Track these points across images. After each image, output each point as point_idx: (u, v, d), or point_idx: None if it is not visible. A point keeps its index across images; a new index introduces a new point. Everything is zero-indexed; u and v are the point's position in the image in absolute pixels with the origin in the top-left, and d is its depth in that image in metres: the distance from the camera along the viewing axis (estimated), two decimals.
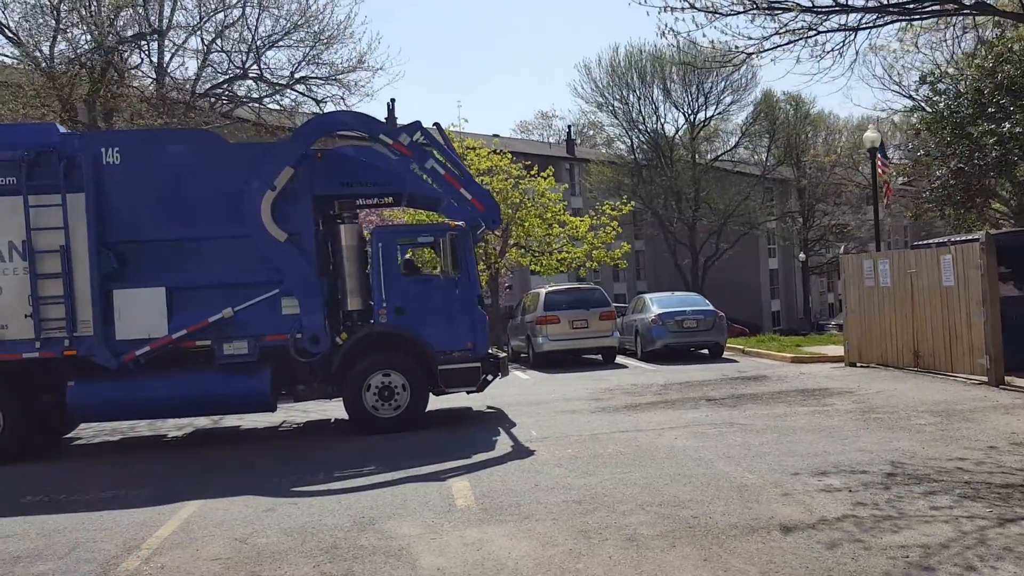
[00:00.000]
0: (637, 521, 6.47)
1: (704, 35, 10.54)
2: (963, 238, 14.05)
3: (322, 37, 21.57)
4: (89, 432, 13.15)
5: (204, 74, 20.93)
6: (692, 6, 10.12)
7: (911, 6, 10.10)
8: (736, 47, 10.55)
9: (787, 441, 9.24)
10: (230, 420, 13.40)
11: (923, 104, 22.60)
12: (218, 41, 21.21)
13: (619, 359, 20.12)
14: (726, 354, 20.39)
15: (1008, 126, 15.40)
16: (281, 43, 21.54)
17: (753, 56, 10.68)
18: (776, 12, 9.69)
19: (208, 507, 7.73)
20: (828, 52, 10.19)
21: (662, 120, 53.40)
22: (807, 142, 56.44)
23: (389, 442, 10.50)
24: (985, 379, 12.40)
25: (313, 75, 22.12)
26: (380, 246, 11.43)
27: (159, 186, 10.99)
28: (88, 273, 10.73)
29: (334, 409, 13.43)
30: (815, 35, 10.36)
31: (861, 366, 15.76)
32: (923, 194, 20.35)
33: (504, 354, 12.52)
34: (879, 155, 22.79)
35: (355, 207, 11.90)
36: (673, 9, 10.12)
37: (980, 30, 22.05)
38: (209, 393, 11.03)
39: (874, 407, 11.20)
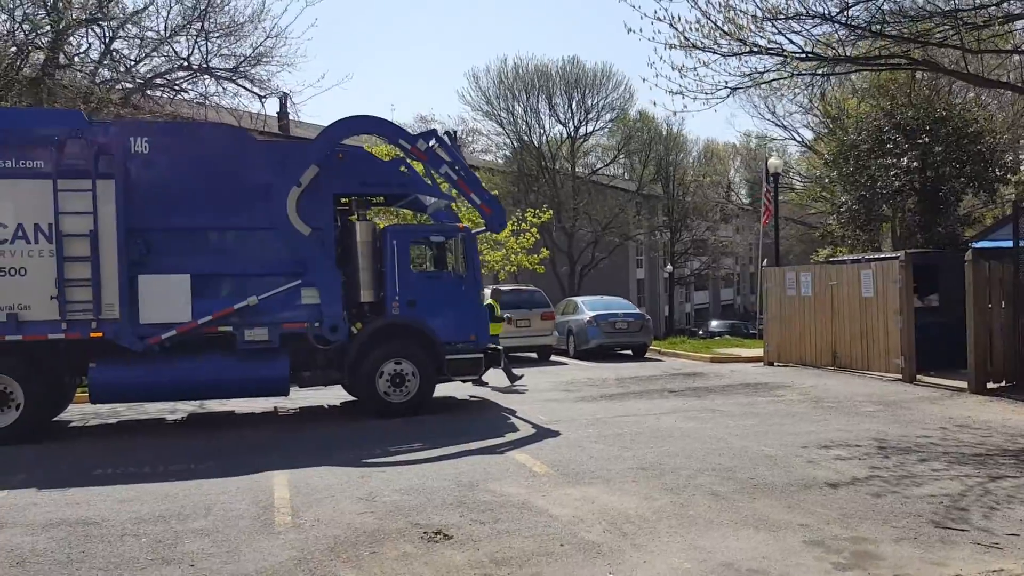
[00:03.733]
0: (707, 481, 7.78)
1: (696, 72, 11.86)
2: (881, 256, 16.29)
3: (229, 28, 21.07)
4: (73, 416, 13.16)
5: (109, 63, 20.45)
6: (694, 46, 11.62)
7: (869, 57, 11.96)
8: (724, 83, 12.11)
9: (771, 424, 10.82)
10: (213, 405, 13.75)
11: (795, 135, 25.22)
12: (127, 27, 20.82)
13: (553, 357, 21.50)
14: (648, 354, 22.17)
15: (905, 161, 17.85)
16: (182, 33, 21.04)
17: (736, 90, 12.26)
18: (769, 54, 11.28)
19: (301, 475, 8.43)
20: (803, 91, 11.83)
21: (546, 132, 55.51)
22: (677, 161, 60.29)
23: (413, 425, 11.35)
24: (900, 376, 14.54)
25: (220, 67, 21.75)
26: (395, 243, 12.26)
27: (186, 176, 11.38)
28: (116, 258, 11.02)
29: (323, 397, 14.11)
30: (791, 77, 12.08)
31: (780, 365, 17.80)
32: (830, 217, 22.91)
33: (501, 347, 13.55)
34: (767, 181, 25.30)
35: (369, 205, 12.68)
36: (674, 47, 11.60)
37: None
38: (229, 377, 11.54)
39: (820, 398, 13.03)
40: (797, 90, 12.59)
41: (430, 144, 12.27)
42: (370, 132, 12.34)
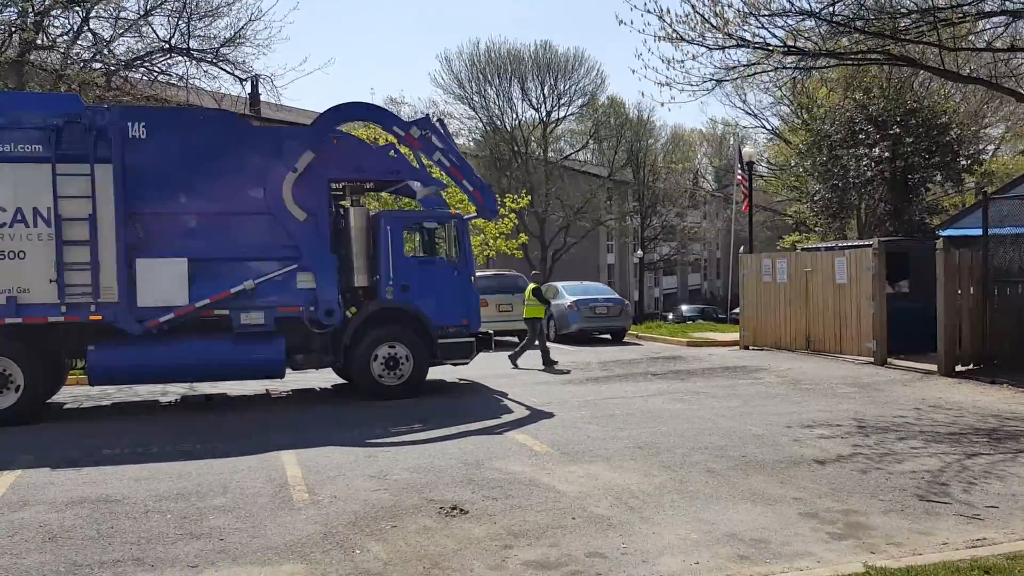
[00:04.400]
0: (701, 459, 8.17)
1: (683, 65, 12.22)
2: (855, 243, 16.83)
3: (205, 10, 20.84)
4: (65, 398, 13.24)
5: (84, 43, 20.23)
6: (683, 39, 11.97)
7: (849, 53, 12.39)
8: (710, 75, 12.49)
9: (754, 405, 11.26)
10: (204, 388, 13.90)
11: (765, 123, 25.81)
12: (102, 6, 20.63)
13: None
14: (625, 338, 22.61)
15: (877, 151, 18.41)
16: (158, 12, 20.81)
17: (721, 82, 12.64)
18: (755, 48, 11.67)
19: (308, 455, 8.68)
20: (785, 83, 12.23)
21: (519, 117, 55.74)
22: (647, 147, 60.92)
23: (408, 407, 11.63)
24: (872, 360, 15.10)
25: (194, 49, 21.51)
26: (388, 229, 12.50)
27: (183, 161, 11.50)
28: (114, 242, 11.14)
29: (313, 380, 14.32)
30: (775, 70, 12.48)
31: (755, 349, 18.32)
32: (803, 205, 23.50)
33: (492, 332, 13.85)
34: (740, 167, 25.85)
35: (363, 191, 12.89)
36: (662, 39, 11.95)
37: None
38: (226, 360, 11.73)
39: (797, 380, 13.52)
40: (780, 82, 12.95)
41: (424, 131, 12.49)
42: (364, 119, 12.55)
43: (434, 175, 13.87)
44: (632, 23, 12.03)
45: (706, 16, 12.03)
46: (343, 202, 12.99)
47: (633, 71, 14.99)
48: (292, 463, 8.34)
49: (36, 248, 10.92)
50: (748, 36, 12.07)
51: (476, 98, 55.14)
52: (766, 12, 11.75)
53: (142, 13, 20.12)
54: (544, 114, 56.05)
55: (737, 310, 37.82)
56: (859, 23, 10.92)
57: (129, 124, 11.30)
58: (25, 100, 12.16)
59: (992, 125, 33.45)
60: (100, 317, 11.12)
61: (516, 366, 15.94)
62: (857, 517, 6.32)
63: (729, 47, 12.12)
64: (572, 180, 56.08)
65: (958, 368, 13.69)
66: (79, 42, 19.24)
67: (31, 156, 10.87)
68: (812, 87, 24.16)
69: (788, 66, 12.48)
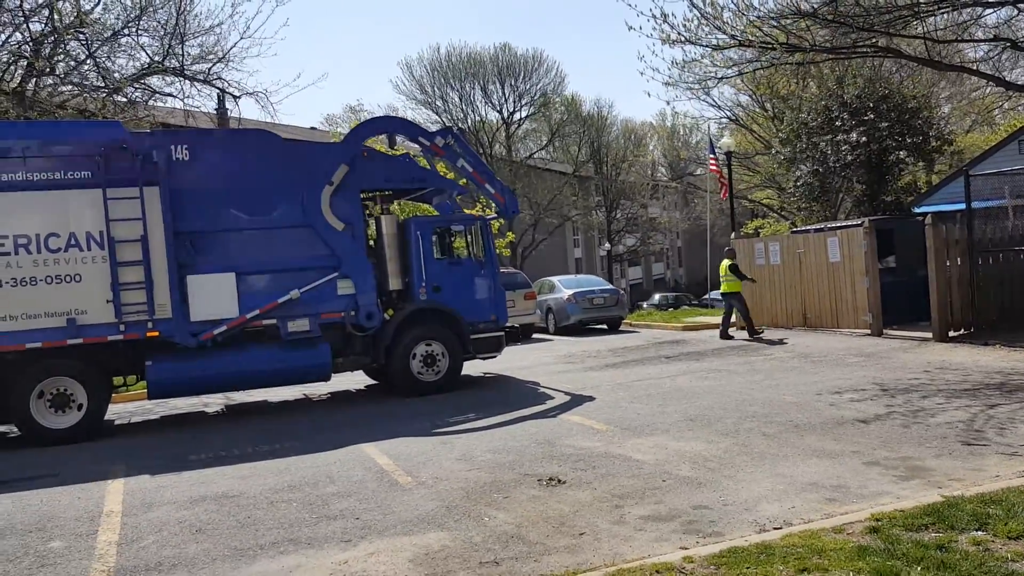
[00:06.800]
0: (753, 426, 8.99)
1: (687, 65, 13.10)
2: (846, 223, 17.86)
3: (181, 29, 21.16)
4: (111, 414, 13.64)
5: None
6: (689, 41, 12.82)
7: (840, 47, 13.35)
8: (713, 73, 13.38)
9: (777, 377, 12.13)
10: (240, 396, 14.39)
11: (729, 114, 26.89)
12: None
13: (534, 335, 22.62)
14: (621, 327, 23.47)
15: (855, 136, 19.49)
16: (133, 28, 21.05)
17: (722, 80, 13.53)
18: (763, 48, 12.58)
19: (388, 446, 9.32)
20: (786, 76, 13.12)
21: (483, 119, 56.48)
22: (609, 142, 62.12)
23: (451, 400, 12.30)
24: (868, 332, 16.11)
25: (187, 67, 21.95)
26: (419, 234, 13.16)
27: (225, 180, 12.04)
28: (165, 260, 11.63)
29: (344, 383, 14.89)
30: (772, 66, 13.39)
31: None
32: (788, 190, 24.58)
33: (518, 326, 14.57)
34: (712, 154, 26.93)
35: (391, 199, 13.53)
36: (674, 42, 12.77)
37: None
38: (277, 366, 12.29)
39: (806, 354, 14.45)
40: (769, 78, 13.85)
41: (447, 140, 13.20)
42: (393, 132, 13.19)
43: (452, 180, 14.54)
44: (640, 28, 12.83)
45: (709, 17, 12.90)
46: (375, 209, 13.60)
47: (641, 72, 15.78)
48: (378, 453, 8.97)
49: (91, 270, 11.36)
50: (751, 37, 12.96)
51: (439, 102, 55.86)
52: (765, 15, 12.64)
53: (119, 29, 20.37)
54: (507, 115, 56.94)
55: (712, 295, 39.22)
56: (859, 21, 11.84)
57: (172, 147, 11.81)
58: (70, 129, 12.52)
59: (940, 105, 35.25)
60: (157, 333, 11.59)
61: (732, 336, 17.64)
62: (914, 462, 7.17)
63: (729, 47, 12.99)
64: (538, 178, 57.03)
65: (951, 334, 14.73)
66: (63, 64, 19.38)
67: (81, 182, 11.31)
68: (775, 79, 25.27)
69: (787, 62, 13.36)
